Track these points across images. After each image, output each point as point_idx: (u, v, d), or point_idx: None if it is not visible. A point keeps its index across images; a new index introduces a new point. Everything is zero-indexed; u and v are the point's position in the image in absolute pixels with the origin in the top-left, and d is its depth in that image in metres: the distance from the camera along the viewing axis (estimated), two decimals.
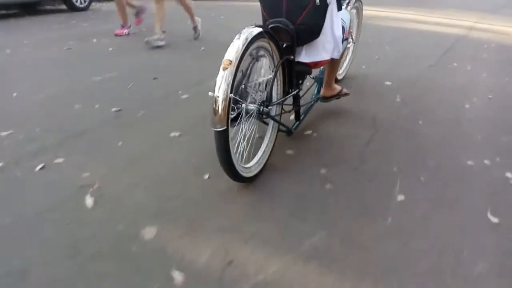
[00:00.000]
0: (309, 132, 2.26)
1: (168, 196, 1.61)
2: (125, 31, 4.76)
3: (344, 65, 3.26)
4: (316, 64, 2.02)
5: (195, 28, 4.69)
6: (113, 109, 2.45)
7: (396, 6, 8.03)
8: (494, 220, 1.56)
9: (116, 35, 4.69)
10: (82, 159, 1.88)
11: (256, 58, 1.70)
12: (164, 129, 2.21)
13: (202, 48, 4.16)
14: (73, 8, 6.74)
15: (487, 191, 1.75)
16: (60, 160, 1.87)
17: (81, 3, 6.82)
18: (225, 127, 1.44)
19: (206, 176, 1.76)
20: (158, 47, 4.11)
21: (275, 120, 1.90)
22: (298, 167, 1.89)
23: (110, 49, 4.04)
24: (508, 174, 1.89)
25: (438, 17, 6.89)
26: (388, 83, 3.18)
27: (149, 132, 2.18)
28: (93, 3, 7.89)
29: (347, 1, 2.55)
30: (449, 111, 2.63)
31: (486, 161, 2.01)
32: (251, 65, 1.67)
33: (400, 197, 1.68)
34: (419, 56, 4.09)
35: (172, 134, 2.15)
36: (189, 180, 1.73)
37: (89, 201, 1.57)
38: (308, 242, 1.41)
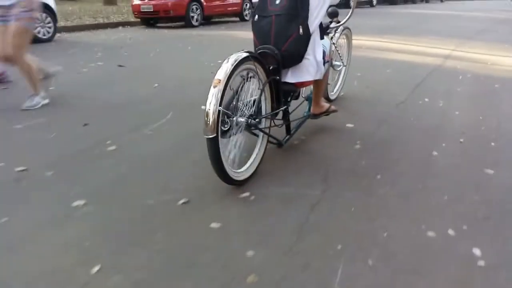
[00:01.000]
0: (246, 194, 1.92)
1: None
2: None
3: (337, 86, 3.49)
4: (301, 84, 2.27)
5: (32, 96, 3.16)
6: (17, 169, 2.08)
7: (373, 34, 7.86)
8: None
9: None
10: None
11: (246, 79, 1.96)
12: (69, 195, 1.84)
13: (156, 84, 3.85)
14: (35, 40, 6.42)
15: (449, 279, 1.41)
16: None
17: (44, 34, 6.53)
18: (215, 135, 1.69)
19: (96, 269, 1.39)
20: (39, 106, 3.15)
21: (263, 132, 2.13)
22: (219, 248, 1.53)
23: (51, 88, 3.70)
24: (476, 251, 1.55)
25: (415, 45, 6.71)
26: (349, 125, 2.87)
27: (48, 201, 1.81)
28: (59, 33, 7.63)
29: (334, 30, 2.88)
30: (414, 162, 2.32)
31: (450, 231, 1.67)
32: (242, 85, 1.94)
33: None
34: (389, 91, 3.82)
35: (76, 203, 1.78)
36: (72, 276, 1.36)
37: None
38: None
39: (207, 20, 10.64)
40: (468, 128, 2.88)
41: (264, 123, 2.17)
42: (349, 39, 3.47)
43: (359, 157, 2.36)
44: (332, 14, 2.60)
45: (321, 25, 2.24)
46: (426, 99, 3.57)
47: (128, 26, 9.49)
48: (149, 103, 3.26)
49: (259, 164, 2.10)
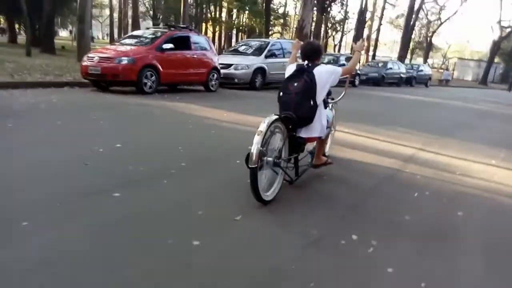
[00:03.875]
0: None
1: None
2: None
3: (328, 144, 4.21)
4: (309, 139, 3.29)
5: None
6: None
7: (336, 121, 6.98)
8: None
9: None
10: None
11: (273, 132, 2.89)
12: None
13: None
14: None
15: None
16: None
17: None
18: (256, 166, 2.59)
19: None
20: None
21: (283, 170, 3.02)
22: None
23: None
24: None
25: (377, 140, 5.79)
26: None
27: None
28: None
29: (330, 104, 3.89)
30: None
31: None
32: (270, 136, 2.86)
33: None
34: (305, 219, 2.73)
35: None
36: None
37: None
38: None
39: (171, 87, 9.88)
40: None
41: (282, 164, 2.98)
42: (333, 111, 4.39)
43: None
44: (327, 94, 3.38)
45: (324, 99, 3.27)
46: (354, 237, 2.50)
47: (77, 87, 8.62)
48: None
49: (278, 192, 2.95)
